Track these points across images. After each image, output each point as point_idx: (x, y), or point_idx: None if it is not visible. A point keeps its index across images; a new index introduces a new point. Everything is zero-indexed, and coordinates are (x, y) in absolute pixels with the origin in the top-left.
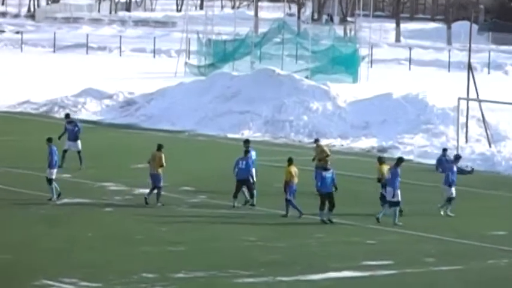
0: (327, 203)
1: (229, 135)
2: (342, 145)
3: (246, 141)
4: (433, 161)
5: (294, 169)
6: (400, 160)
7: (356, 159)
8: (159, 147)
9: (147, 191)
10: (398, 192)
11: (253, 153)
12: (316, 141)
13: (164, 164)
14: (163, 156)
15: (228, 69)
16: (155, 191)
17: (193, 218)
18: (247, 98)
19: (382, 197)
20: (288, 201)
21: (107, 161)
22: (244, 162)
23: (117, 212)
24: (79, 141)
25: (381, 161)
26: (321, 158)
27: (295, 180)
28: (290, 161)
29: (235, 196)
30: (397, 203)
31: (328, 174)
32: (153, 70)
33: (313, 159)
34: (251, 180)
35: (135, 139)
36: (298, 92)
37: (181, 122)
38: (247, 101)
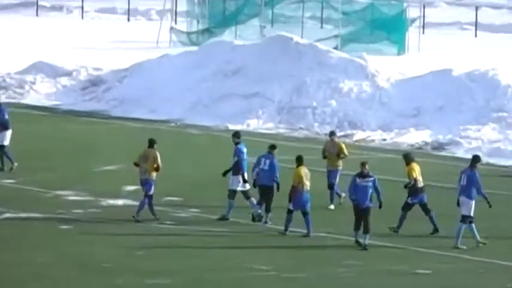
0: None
1: (231, 127)
2: (384, 140)
3: (236, 134)
4: (509, 162)
5: (304, 171)
6: (475, 160)
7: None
8: (152, 143)
9: (119, 202)
10: (473, 204)
11: (244, 150)
12: (332, 134)
13: (160, 165)
14: (158, 155)
15: (229, 37)
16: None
17: (182, 239)
18: (255, 76)
19: (406, 207)
20: (290, 213)
21: (63, 161)
22: (268, 162)
23: (78, 231)
24: (7, 133)
25: (408, 158)
26: (331, 156)
27: (307, 185)
28: (299, 161)
29: (265, 209)
30: (468, 218)
31: (364, 183)
32: (127, 38)
33: (324, 157)
34: (275, 189)
35: (102, 132)
36: (323, 68)
37: (166, 109)
38: (255, 80)
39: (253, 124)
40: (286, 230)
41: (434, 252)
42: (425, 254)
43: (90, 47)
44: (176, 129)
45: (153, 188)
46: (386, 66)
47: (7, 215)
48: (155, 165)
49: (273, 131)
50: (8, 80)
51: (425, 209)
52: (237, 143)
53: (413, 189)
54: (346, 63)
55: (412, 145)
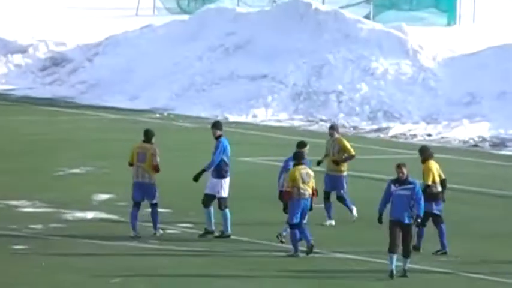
0: (401, 242)
1: (232, 118)
2: (429, 135)
3: (216, 125)
4: None
5: (303, 171)
6: None
7: (453, 160)
8: (149, 136)
9: (88, 215)
10: None
11: (226, 145)
12: (332, 129)
13: (158, 164)
14: (157, 151)
15: (230, 3)
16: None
17: (169, 263)
18: (263, 52)
19: (426, 217)
20: (294, 228)
21: (16, 163)
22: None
23: (36, 252)
24: None
25: (426, 155)
26: (337, 158)
27: (308, 189)
28: (298, 157)
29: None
30: None
31: (402, 191)
32: (99, 4)
33: (319, 163)
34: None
35: (67, 125)
36: (351, 42)
37: (149, 95)
38: (264, 58)
39: (261, 115)
40: (296, 250)
41: (491, 279)
42: (481, 282)
43: (51, 17)
44: (162, 122)
45: (157, 194)
46: (432, 41)
47: None
48: (154, 164)
49: (286, 124)
50: None
51: (436, 220)
52: (219, 136)
53: (428, 195)
54: (381, 37)
55: (465, 141)
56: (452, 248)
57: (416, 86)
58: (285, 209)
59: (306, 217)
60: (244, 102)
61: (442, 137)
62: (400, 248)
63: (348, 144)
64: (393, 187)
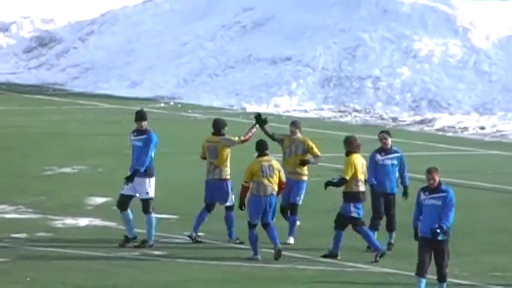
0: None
1: (250, 108)
2: (482, 128)
3: (140, 114)
4: None
5: (265, 163)
6: None
7: (510, 157)
8: (219, 127)
9: (80, 221)
10: None
11: (156, 138)
12: (294, 125)
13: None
14: (232, 140)
15: None
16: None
17: (173, 277)
18: (287, 31)
19: (344, 221)
20: (252, 228)
21: None
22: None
23: (19, 266)
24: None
25: (351, 147)
26: (297, 160)
27: (272, 185)
28: (261, 147)
29: (388, 228)
30: None
31: (432, 200)
32: None
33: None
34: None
35: (56, 116)
36: (390, 19)
37: (152, 80)
38: (287, 38)
39: (284, 104)
40: (255, 253)
41: None
42: None
43: None
44: (167, 112)
45: (231, 194)
46: (485, 17)
47: None
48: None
49: (313, 114)
50: None
51: (355, 224)
52: (146, 129)
53: (348, 195)
54: (425, 13)
55: None
56: None
57: (467, 71)
58: (240, 206)
59: (273, 217)
60: (264, 90)
61: (497, 130)
62: (430, 269)
63: (312, 144)
64: (422, 195)
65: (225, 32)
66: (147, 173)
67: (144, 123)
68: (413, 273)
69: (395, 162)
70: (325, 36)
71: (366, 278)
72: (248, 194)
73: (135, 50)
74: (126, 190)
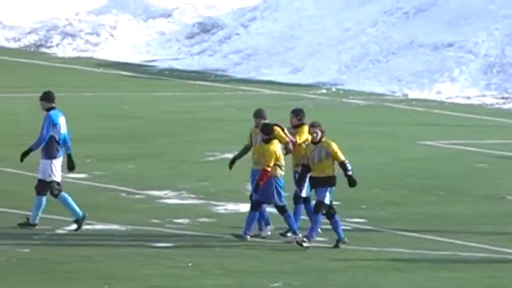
0: None
1: (412, 94)
2: None
3: (47, 96)
4: None
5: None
6: None
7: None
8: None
9: (241, 207)
10: None
11: (55, 118)
12: (260, 117)
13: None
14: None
15: None
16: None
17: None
18: (449, 16)
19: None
20: (283, 212)
21: (158, 147)
22: None
23: (181, 252)
24: None
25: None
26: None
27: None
28: (266, 129)
29: None
30: None
31: None
32: None
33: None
34: None
35: (218, 102)
36: None
37: (314, 67)
38: (449, 24)
39: (446, 90)
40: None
41: None
42: None
43: None
44: (328, 99)
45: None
46: None
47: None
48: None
49: (476, 101)
50: (76, 23)
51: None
52: (49, 109)
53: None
54: None
55: None
56: None
57: None
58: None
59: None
60: (426, 76)
61: None
62: None
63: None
64: None
65: (387, 17)
66: (48, 155)
67: (45, 104)
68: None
69: None
70: (488, 22)
71: None
72: None
73: (297, 36)
74: (40, 174)
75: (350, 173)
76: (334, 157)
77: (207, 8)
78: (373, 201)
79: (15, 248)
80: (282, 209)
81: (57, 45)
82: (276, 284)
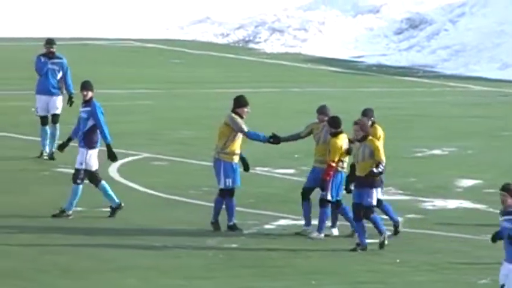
0: None
1: None
2: None
3: (86, 86)
4: None
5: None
6: None
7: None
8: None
9: (450, 203)
10: None
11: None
12: (322, 113)
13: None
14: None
15: None
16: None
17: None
18: None
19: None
20: (338, 209)
21: None
22: None
23: (392, 249)
24: (56, 98)
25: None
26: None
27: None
28: (335, 122)
29: None
30: None
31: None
32: None
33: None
34: None
35: (425, 98)
36: None
37: None
38: None
39: None
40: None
41: None
42: None
43: None
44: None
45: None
46: None
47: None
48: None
49: None
50: (284, 19)
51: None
52: (90, 98)
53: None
54: None
55: None
56: None
57: None
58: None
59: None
60: None
61: None
62: None
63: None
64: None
65: None
66: (88, 144)
67: (88, 93)
68: None
69: None
70: None
71: None
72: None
73: (506, 32)
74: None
75: (375, 171)
76: (375, 155)
77: (415, 3)
78: None
79: (223, 243)
80: (333, 205)
81: (265, 40)
82: (484, 281)
